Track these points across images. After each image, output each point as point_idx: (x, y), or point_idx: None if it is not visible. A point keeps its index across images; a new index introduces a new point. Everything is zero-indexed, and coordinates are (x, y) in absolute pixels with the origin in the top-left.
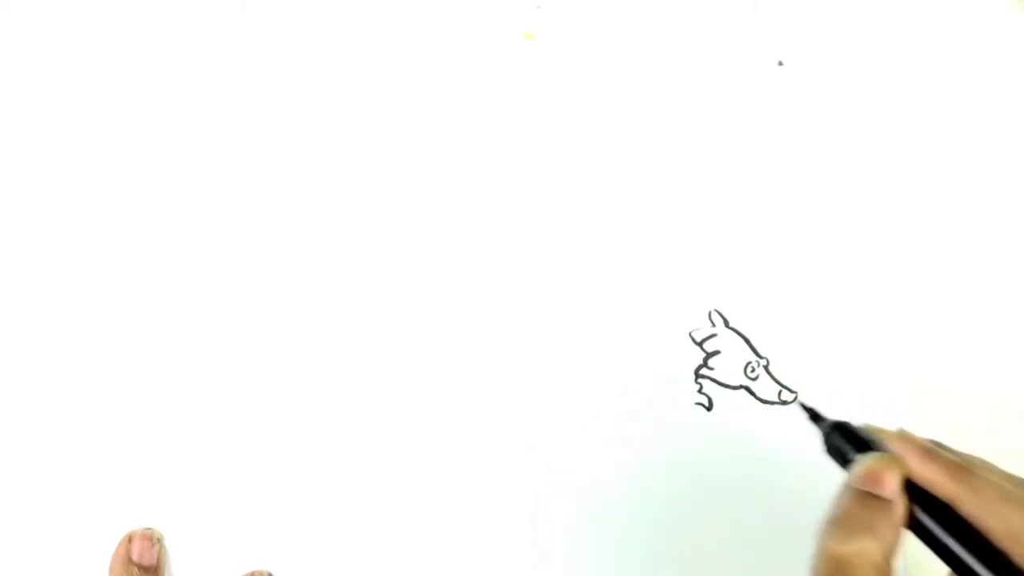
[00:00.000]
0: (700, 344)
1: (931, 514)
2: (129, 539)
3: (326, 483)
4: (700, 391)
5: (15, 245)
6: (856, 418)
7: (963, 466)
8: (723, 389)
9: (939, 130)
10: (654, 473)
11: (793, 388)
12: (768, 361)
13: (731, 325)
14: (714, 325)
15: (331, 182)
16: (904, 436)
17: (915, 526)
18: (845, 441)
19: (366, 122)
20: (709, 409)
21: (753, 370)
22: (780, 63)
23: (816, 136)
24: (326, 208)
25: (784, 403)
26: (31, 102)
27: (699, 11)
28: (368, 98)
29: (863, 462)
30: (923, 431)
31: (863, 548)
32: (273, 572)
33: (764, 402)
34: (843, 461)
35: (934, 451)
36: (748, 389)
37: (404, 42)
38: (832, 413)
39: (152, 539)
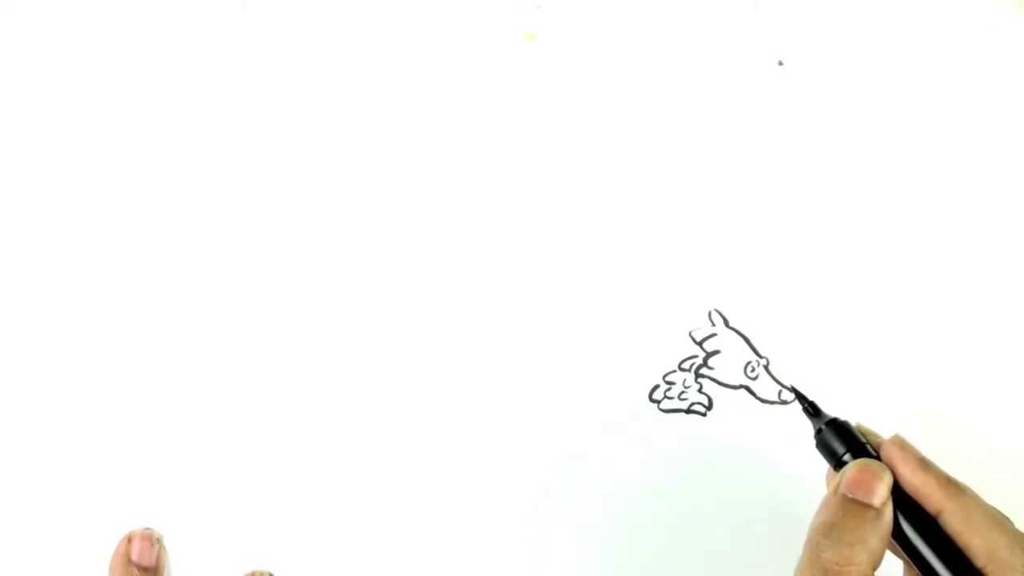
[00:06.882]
0: (700, 344)
1: (915, 526)
2: (129, 539)
3: (326, 483)
4: (700, 391)
5: (15, 245)
6: (855, 417)
7: (955, 482)
8: (723, 389)
9: (940, 130)
10: (653, 472)
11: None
12: (768, 361)
13: (731, 325)
14: (714, 325)
15: (332, 183)
16: (902, 443)
17: (898, 535)
18: (838, 440)
19: (366, 122)
20: (709, 409)
21: (753, 370)
22: (780, 63)
23: (816, 136)
24: (327, 209)
25: (784, 403)
26: (31, 102)
27: (699, 11)
28: (368, 98)
29: (853, 467)
30: (922, 429)
31: (853, 559)
32: (273, 572)
33: (764, 402)
34: (833, 459)
35: (929, 463)
36: (748, 389)
37: (404, 42)
38: (831, 411)
39: (152, 539)
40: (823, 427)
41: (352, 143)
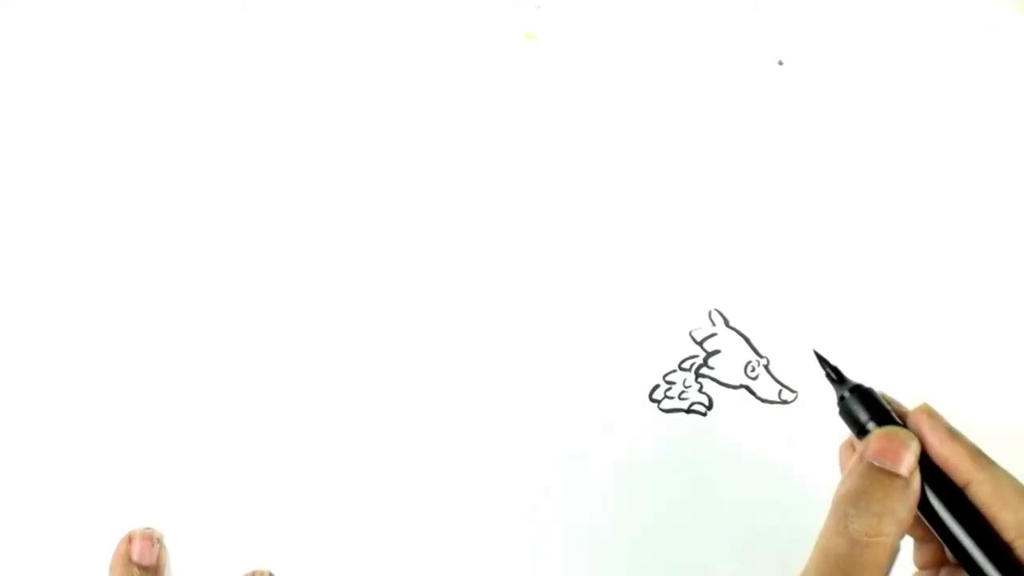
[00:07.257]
0: (700, 343)
1: (942, 497)
2: (129, 539)
3: (326, 483)
4: (700, 391)
5: (15, 245)
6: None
7: (983, 454)
8: (723, 389)
9: (940, 130)
10: (653, 472)
11: (793, 388)
12: (768, 361)
13: (731, 325)
14: (714, 324)
15: (331, 183)
16: (930, 412)
17: (923, 506)
18: (862, 407)
19: (366, 122)
20: (709, 409)
21: (753, 369)
22: (780, 63)
23: (816, 136)
24: (327, 209)
25: (784, 402)
26: (31, 102)
27: (699, 11)
28: (368, 98)
29: (879, 435)
30: None
31: (883, 529)
32: (273, 572)
33: (764, 402)
34: (856, 427)
35: (958, 433)
36: (748, 389)
37: (404, 42)
38: (832, 410)
39: (152, 539)
40: (846, 394)
41: (352, 143)
